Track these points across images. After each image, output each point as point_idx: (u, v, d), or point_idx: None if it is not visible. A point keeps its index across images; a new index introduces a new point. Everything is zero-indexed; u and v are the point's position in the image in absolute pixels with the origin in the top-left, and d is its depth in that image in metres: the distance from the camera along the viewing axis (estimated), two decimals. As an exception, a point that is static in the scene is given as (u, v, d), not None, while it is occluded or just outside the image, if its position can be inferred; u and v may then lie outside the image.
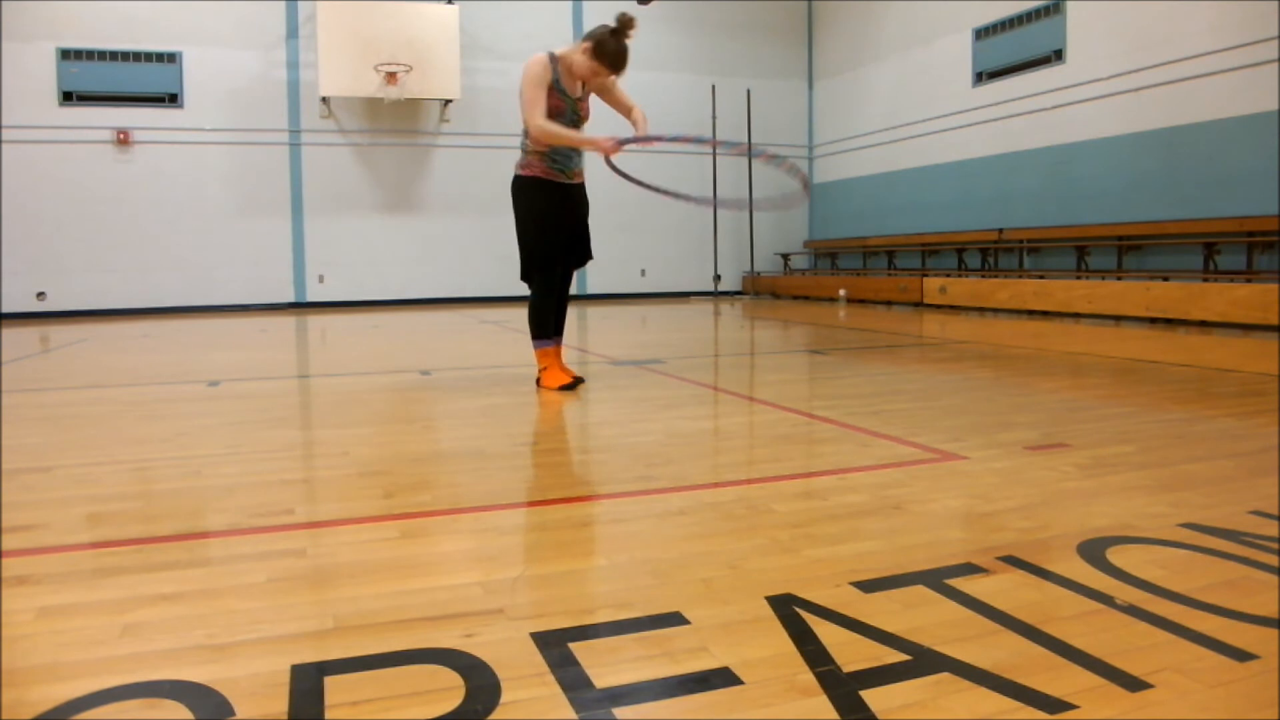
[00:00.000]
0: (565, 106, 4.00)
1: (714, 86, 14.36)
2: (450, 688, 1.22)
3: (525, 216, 4.10)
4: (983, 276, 10.81)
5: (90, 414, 3.77)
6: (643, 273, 14.57)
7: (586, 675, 1.25)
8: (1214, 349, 5.85)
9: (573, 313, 4.35)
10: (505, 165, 15.66)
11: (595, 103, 4.24)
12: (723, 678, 1.24)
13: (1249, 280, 7.59)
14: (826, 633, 1.38)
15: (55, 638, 1.41)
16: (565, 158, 4.07)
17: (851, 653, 1.31)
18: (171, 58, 12.30)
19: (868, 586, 1.58)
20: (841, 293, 12.66)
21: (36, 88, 11.77)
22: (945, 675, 1.24)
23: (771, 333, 8.05)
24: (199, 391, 4.45)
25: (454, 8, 12.89)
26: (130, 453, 2.92)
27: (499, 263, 13.33)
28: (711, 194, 14.52)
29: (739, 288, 15.22)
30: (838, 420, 3.29)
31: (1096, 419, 3.26)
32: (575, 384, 4.19)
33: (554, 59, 3.97)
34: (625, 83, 4.22)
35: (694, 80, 14.52)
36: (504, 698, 1.19)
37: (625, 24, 3.90)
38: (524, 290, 4.26)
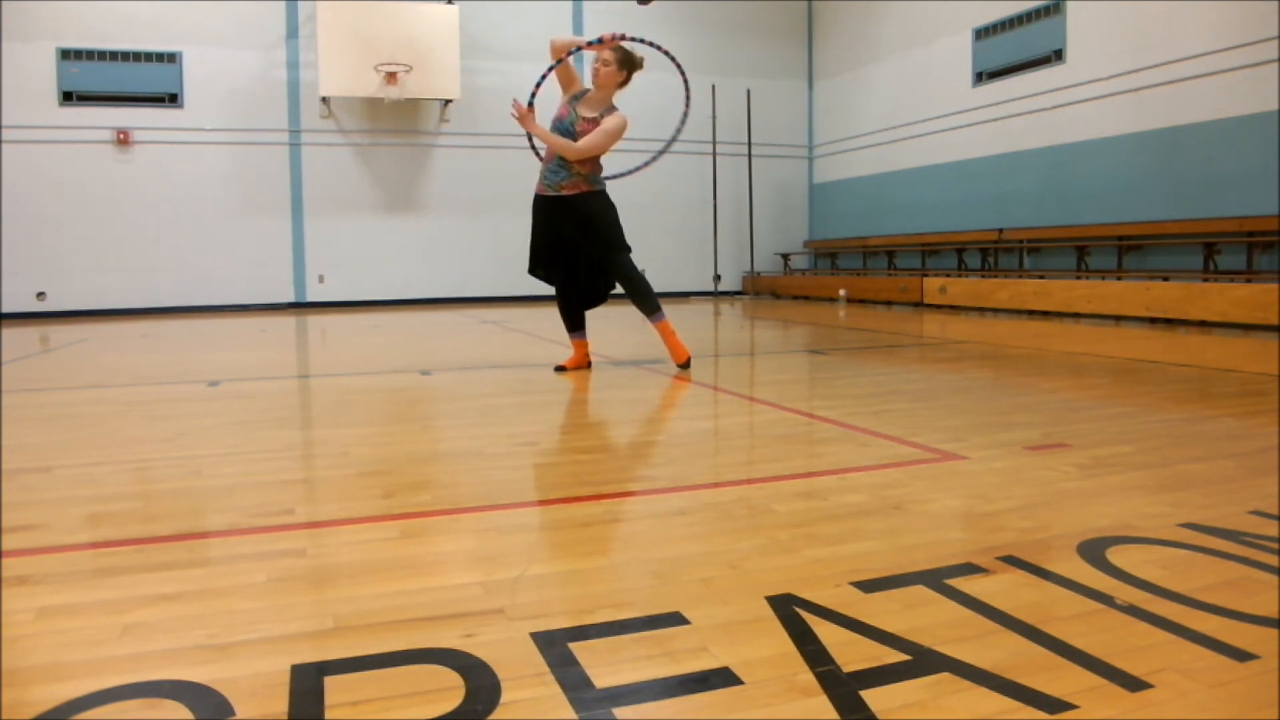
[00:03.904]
0: (569, 116, 4.74)
1: (714, 86, 14.35)
2: (450, 688, 1.22)
3: (613, 215, 5.03)
4: (983, 276, 10.80)
5: (90, 414, 3.77)
6: (642, 273, 14.55)
7: (586, 675, 1.25)
8: (1214, 349, 5.85)
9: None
10: (505, 165, 15.44)
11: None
12: (723, 678, 1.24)
13: (1249, 280, 7.59)
14: (826, 633, 1.38)
15: (55, 638, 1.41)
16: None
17: (851, 653, 1.31)
18: (171, 58, 12.30)
19: (868, 586, 1.58)
20: (841, 293, 12.66)
21: (36, 88, 11.76)
22: (945, 675, 1.24)
23: (771, 333, 8.05)
24: (199, 391, 4.45)
25: (454, 8, 12.88)
26: (130, 453, 2.92)
27: (499, 263, 13.33)
28: (712, 196, 14.54)
29: (739, 288, 15.21)
30: (838, 420, 3.29)
31: (1096, 419, 3.26)
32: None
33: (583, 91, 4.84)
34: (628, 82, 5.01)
35: (694, 80, 14.36)
36: (504, 698, 1.19)
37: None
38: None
